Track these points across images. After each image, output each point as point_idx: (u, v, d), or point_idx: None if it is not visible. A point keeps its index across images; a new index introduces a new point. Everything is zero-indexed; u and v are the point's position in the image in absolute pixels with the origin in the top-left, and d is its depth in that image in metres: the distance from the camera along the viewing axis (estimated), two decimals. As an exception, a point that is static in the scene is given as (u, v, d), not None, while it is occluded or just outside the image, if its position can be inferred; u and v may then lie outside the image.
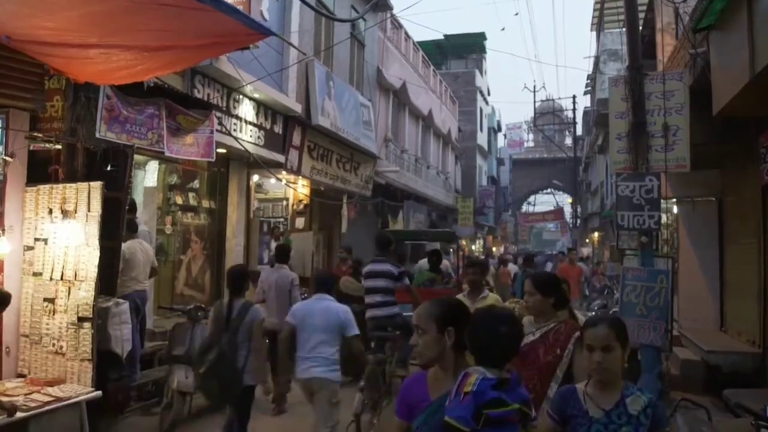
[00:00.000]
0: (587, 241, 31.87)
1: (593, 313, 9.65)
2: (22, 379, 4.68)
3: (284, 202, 11.18)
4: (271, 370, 6.23)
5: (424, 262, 10.42)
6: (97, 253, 4.55)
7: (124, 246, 5.75)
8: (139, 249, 6.28)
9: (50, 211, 4.81)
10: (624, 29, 9.09)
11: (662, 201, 7.31)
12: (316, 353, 4.31)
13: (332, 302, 4.52)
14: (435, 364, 2.17)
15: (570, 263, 12.93)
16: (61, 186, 4.82)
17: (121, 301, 5.19)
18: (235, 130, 8.60)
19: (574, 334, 2.95)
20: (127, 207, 5.21)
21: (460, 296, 4.70)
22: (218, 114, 7.83)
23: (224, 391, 4.39)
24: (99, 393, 4.53)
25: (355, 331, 4.45)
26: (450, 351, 2.11)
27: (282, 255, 7.07)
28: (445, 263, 11.05)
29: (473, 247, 26.88)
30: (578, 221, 32.83)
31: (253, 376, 4.45)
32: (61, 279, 4.70)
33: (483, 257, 20.52)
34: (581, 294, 12.34)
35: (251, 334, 4.41)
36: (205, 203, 9.42)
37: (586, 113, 30.99)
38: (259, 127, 9.45)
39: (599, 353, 2.17)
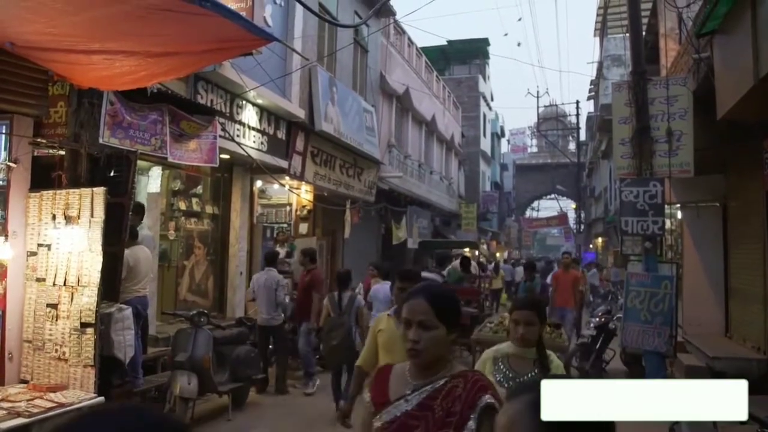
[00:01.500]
0: (591, 246, 31.81)
1: (597, 319, 9.47)
2: (25, 385, 4.67)
3: (287, 208, 11.19)
4: (274, 362, 7.91)
5: (456, 264, 12.52)
6: (100, 259, 4.55)
7: (128, 253, 5.75)
8: (143, 257, 6.29)
9: (53, 217, 4.81)
10: (627, 34, 9.09)
11: (666, 206, 7.29)
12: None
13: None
14: None
15: (564, 268, 10.72)
16: (64, 192, 4.83)
17: (123, 306, 5.20)
18: (238, 135, 8.62)
19: (480, 398, 1.75)
20: (131, 212, 5.21)
21: (383, 317, 3.70)
22: (221, 120, 7.85)
23: (347, 356, 6.25)
24: (102, 399, 4.51)
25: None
26: None
27: (270, 260, 7.93)
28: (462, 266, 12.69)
29: (476, 253, 26.71)
30: (582, 227, 32.78)
31: (360, 344, 5.95)
32: (64, 284, 4.70)
33: (490, 263, 20.51)
34: (579, 302, 10.70)
35: (357, 317, 6.56)
36: (209, 209, 9.43)
37: (589, 118, 31.02)
38: (263, 132, 9.47)
39: None
